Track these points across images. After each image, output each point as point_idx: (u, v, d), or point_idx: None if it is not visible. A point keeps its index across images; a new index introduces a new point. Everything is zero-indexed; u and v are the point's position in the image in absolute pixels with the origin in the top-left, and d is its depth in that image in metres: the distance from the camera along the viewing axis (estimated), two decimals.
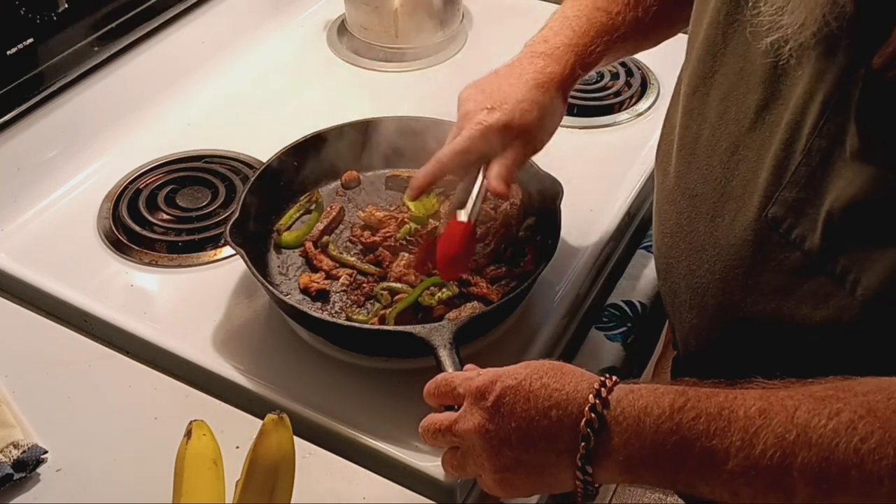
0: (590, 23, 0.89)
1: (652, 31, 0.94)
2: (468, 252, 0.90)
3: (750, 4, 0.66)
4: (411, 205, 1.02)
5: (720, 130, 0.72)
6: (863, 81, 0.58)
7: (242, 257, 0.88)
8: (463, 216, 0.88)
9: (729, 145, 0.71)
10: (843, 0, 0.57)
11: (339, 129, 1.07)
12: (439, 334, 0.83)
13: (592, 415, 0.62)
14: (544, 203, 0.99)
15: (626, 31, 0.90)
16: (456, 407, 0.72)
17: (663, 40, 1.00)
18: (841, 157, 0.61)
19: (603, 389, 0.63)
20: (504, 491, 0.70)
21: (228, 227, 0.90)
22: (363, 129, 1.07)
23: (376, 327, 0.90)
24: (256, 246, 0.98)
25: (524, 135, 0.88)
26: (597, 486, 0.65)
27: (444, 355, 0.81)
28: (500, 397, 0.67)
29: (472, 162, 0.89)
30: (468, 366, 0.78)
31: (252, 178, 0.99)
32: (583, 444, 0.63)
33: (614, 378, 0.65)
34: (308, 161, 1.05)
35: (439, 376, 0.76)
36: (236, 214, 0.93)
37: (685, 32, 0.85)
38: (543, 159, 1.01)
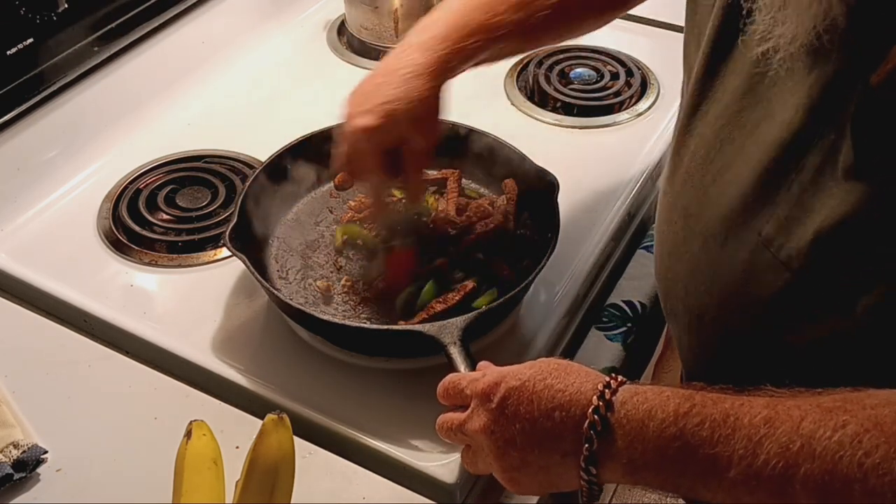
0: (466, 18, 0.90)
1: (541, 34, 0.94)
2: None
3: (744, 13, 0.66)
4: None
5: (715, 149, 0.72)
6: (859, 98, 0.57)
7: (244, 262, 0.88)
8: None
9: (722, 164, 0.71)
10: (834, 13, 0.57)
11: (330, 132, 1.07)
12: (448, 332, 0.82)
13: (595, 417, 0.62)
14: (540, 198, 0.99)
15: (508, 31, 0.90)
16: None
17: (557, 43, 1.03)
18: (832, 176, 0.60)
19: (607, 391, 0.63)
20: (513, 488, 0.71)
21: (227, 233, 0.90)
22: None
23: (385, 327, 0.90)
24: (256, 249, 0.98)
25: (410, 129, 0.89)
26: (599, 488, 0.65)
27: (455, 352, 0.81)
28: (505, 399, 0.67)
29: (377, 164, 0.90)
30: (482, 363, 0.78)
31: (247, 184, 0.99)
32: (586, 445, 0.63)
33: (620, 378, 0.65)
34: (301, 164, 1.05)
35: (447, 378, 0.76)
36: (234, 220, 0.93)
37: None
38: (544, 158, 1.02)
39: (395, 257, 0.98)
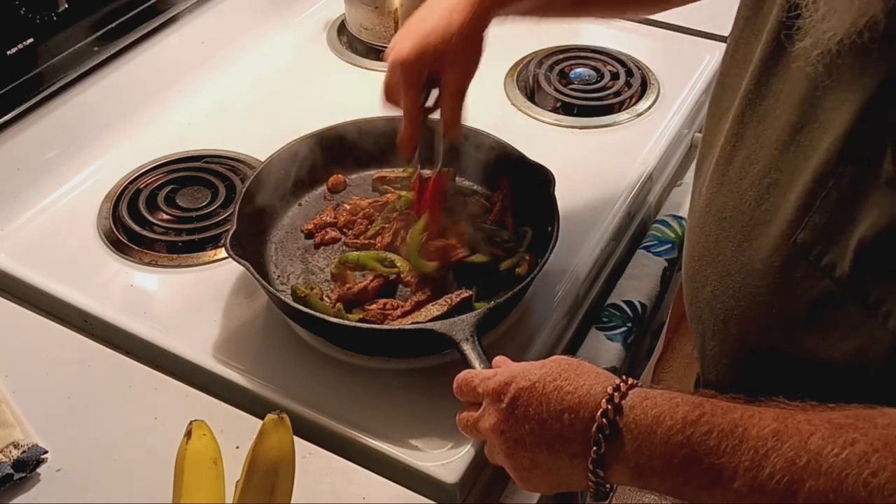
0: None
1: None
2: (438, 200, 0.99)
3: (789, 6, 0.65)
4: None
5: (756, 153, 0.70)
6: None
7: (248, 269, 0.88)
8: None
9: (762, 168, 0.69)
10: (873, 10, 0.56)
11: (327, 133, 1.07)
12: (460, 329, 0.82)
13: (604, 420, 0.63)
14: (538, 193, 0.99)
15: None
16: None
17: (606, 16, 0.99)
18: (875, 184, 0.59)
19: (616, 394, 0.63)
20: (525, 486, 0.72)
21: (228, 241, 0.90)
22: (345, 133, 1.07)
23: (396, 327, 0.90)
24: (256, 252, 0.98)
25: (445, 60, 0.89)
26: (609, 486, 0.65)
27: (468, 349, 0.81)
28: (515, 399, 0.68)
29: (420, 91, 0.91)
30: (497, 358, 0.78)
31: (243, 189, 0.99)
32: (594, 448, 0.63)
33: (630, 381, 0.65)
34: (297, 166, 1.05)
35: (461, 375, 0.76)
36: (233, 227, 0.92)
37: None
38: (544, 158, 1.02)
39: (432, 181, 0.98)
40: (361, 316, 0.91)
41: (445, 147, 0.98)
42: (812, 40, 0.61)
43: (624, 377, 0.66)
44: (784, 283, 0.66)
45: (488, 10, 0.89)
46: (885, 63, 0.58)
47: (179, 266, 1.02)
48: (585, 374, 0.67)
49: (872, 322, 0.61)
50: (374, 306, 0.92)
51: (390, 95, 0.94)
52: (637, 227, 1.14)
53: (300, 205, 1.07)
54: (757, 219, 0.69)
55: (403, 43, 0.89)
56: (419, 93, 0.91)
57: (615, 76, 1.31)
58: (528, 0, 0.91)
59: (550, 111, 1.25)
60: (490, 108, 1.26)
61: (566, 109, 1.25)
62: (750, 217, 0.70)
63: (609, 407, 0.63)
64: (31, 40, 1.06)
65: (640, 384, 0.65)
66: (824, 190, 0.63)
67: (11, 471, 0.78)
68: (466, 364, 0.80)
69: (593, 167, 1.16)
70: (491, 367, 0.77)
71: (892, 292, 0.60)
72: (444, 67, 0.90)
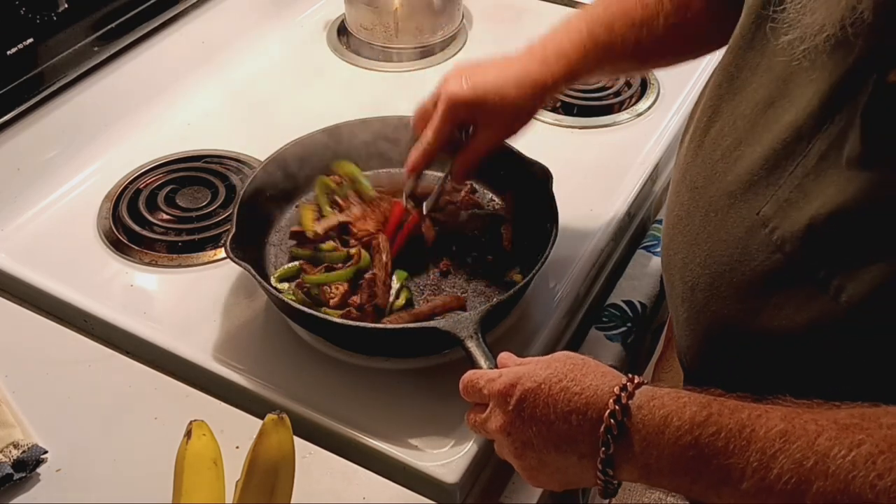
0: (590, 38, 0.90)
1: (652, 56, 0.96)
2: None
3: (775, 0, 0.66)
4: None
5: (729, 125, 0.72)
6: (874, 90, 0.57)
7: (248, 270, 0.88)
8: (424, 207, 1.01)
9: (733, 141, 0.71)
10: (861, 7, 0.57)
11: (322, 134, 1.06)
12: (464, 326, 0.82)
13: (612, 421, 0.63)
14: (537, 191, 0.99)
15: (625, 51, 0.91)
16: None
17: (664, 67, 1.03)
18: (836, 164, 0.61)
19: (623, 394, 0.64)
20: (534, 484, 0.72)
21: (228, 244, 0.90)
22: (345, 133, 1.07)
23: (399, 326, 0.90)
24: (255, 253, 0.98)
25: (490, 121, 0.93)
26: (617, 483, 0.66)
27: (473, 346, 0.81)
28: (521, 401, 0.68)
29: (452, 135, 0.95)
30: (502, 355, 0.77)
31: (242, 191, 0.98)
32: (602, 448, 0.63)
33: (637, 380, 0.65)
34: (295, 167, 1.05)
35: (466, 376, 0.76)
36: (233, 229, 0.92)
37: None
38: (544, 158, 1.02)
39: (395, 207, 1.01)
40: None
41: (439, 190, 1.01)
42: (798, 34, 0.62)
43: (630, 376, 0.66)
44: (744, 255, 0.68)
45: (553, 90, 0.92)
46: (862, 51, 0.59)
47: (179, 266, 1.02)
48: (592, 373, 0.67)
49: (824, 297, 0.62)
50: (368, 308, 0.92)
51: (424, 117, 0.95)
52: (637, 227, 1.14)
53: (302, 203, 1.06)
54: (724, 190, 0.70)
55: (463, 83, 0.91)
56: (451, 131, 0.94)
57: None
58: (595, 73, 0.94)
59: (550, 111, 1.25)
60: None
61: (566, 109, 1.25)
62: (718, 188, 0.71)
63: (616, 408, 0.63)
64: (31, 40, 1.06)
65: (646, 382, 0.65)
66: (791, 165, 0.64)
67: (11, 471, 0.78)
68: (471, 361, 0.79)
69: (593, 167, 1.16)
70: (496, 364, 0.77)
71: (842, 268, 0.61)
72: (485, 126, 0.93)
